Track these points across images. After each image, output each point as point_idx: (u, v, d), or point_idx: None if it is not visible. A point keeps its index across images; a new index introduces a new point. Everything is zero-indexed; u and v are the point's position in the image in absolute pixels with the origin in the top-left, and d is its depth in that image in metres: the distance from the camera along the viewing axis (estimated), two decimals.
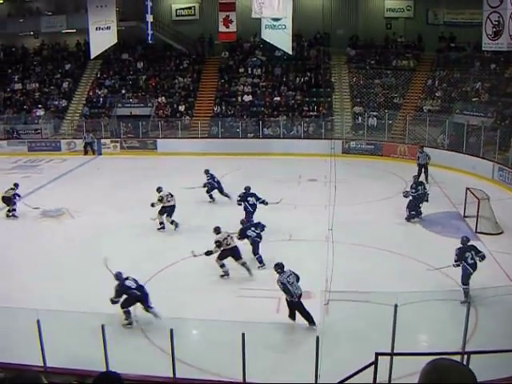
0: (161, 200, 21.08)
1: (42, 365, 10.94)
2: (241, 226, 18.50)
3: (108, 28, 32.87)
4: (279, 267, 13.70)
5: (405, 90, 37.50)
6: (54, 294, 15.67)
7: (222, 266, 17.13)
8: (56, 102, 41.21)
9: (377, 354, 9.60)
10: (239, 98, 38.53)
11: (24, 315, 11.96)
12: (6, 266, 18.25)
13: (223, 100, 38.58)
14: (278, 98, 38.06)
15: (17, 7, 44.91)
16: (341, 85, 38.84)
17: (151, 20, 36.08)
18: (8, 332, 13.00)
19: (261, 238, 18.22)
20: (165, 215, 21.19)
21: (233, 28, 34.92)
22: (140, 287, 14.23)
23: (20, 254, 19.23)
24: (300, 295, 13.41)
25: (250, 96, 38.42)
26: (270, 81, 39.43)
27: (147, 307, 14.23)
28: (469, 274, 15.07)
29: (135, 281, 14.27)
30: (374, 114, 35.75)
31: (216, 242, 17.02)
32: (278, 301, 14.93)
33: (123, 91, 40.71)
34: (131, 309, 14.11)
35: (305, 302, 14.25)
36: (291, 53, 33.02)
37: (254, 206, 21.40)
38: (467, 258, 15.19)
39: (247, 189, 21.75)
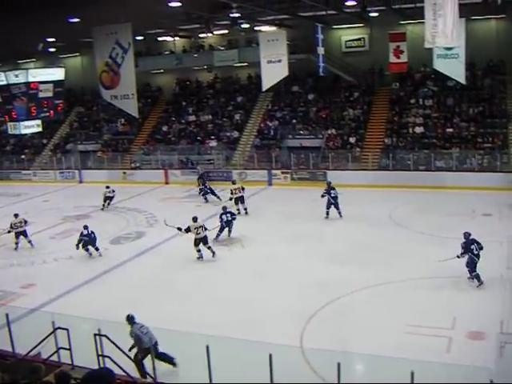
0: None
1: None
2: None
3: (279, 61, 33.63)
4: (130, 319, 13.11)
5: None
6: (224, 320, 16.00)
7: (198, 251, 22.00)
8: (228, 134, 42.57)
9: None
10: (410, 130, 37.75)
11: (195, 340, 12.24)
12: (178, 290, 18.96)
13: (394, 131, 38.02)
14: (451, 130, 36.91)
15: (192, 43, 47.17)
16: None
17: (322, 52, 36.46)
18: (178, 355, 13.30)
19: (229, 223, 24.41)
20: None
21: (404, 58, 34.56)
22: (89, 234, 23.01)
23: (191, 279, 19.85)
24: (156, 343, 12.88)
25: (422, 127, 37.52)
26: (441, 112, 38.36)
27: (95, 248, 23.15)
28: (475, 263, 18.10)
29: (87, 230, 22.99)
30: None
31: (187, 227, 21.89)
32: (448, 340, 14.38)
33: (294, 123, 41.25)
34: None
35: (475, 343, 13.64)
36: (464, 82, 32.08)
37: (335, 198, 26.94)
38: (472, 249, 18.19)
39: (329, 183, 27.66)
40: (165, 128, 45.48)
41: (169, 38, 47.08)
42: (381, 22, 38.68)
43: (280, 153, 39.17)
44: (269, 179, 37.27)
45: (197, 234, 21.74)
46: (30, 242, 25.49)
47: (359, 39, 43.09)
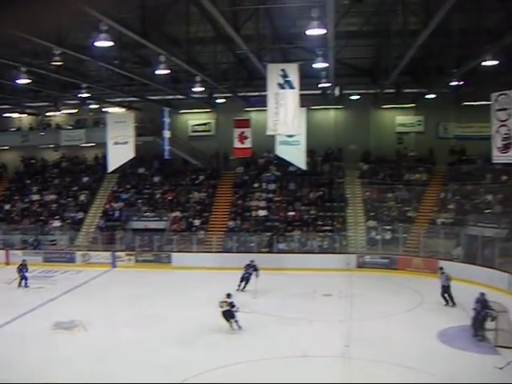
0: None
1: None
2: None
3: (126, 143, 33.45)
4: None
5: (418, 203, 37.81)
6: None
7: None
8: (72, 214, 41.71)
9: None
10: (254, 213, 38.80)
11: None
12: (16, 377, 18.01)
13: (238, 214, 38.85)
14: (293, 213, 38.30)
15: (39, 120, 46.59)
16: (354, 199, 39.21)
17: (168, 136, 36.93)
18: None
19: None
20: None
21: (248, 144, 35.66)
22: None
23: (31, 365, 18.98)
24: None
25: (265, 211, 38.70)
26: (284, 196, 39.84)
27: None
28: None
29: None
30: (388, 227, 35.84)
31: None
32: None
33: (139, 205, 41.19)
34: None
35: None
36: (305, 168, 33.38)
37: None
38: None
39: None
40: (7, 206, 43.99)
41: (15, 115, 46.09)
42: (227, 108, 40.15)
43: (125, 234, 38.81)
44: (113, 261, 36.66)
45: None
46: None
47: (206, 124, 44.19)
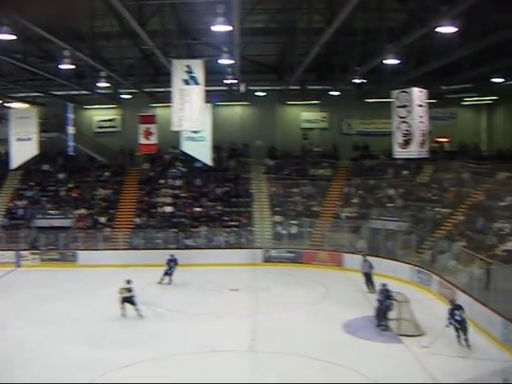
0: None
1: None
2: None
3: (29, 139, 32.63)
4: None
5: (322, 197, 38.53)
6: None
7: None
8: None
9: None
10: (160, 209, 38.66)
11: None
12: None
13: (144, 211, 38.61)
14: (199, 209, 38.35)
15: None
16: (260, 194, 39.61)
17: (72, 132, 36.33)
18: None
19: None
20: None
21: (153, 140, 35.46)
22: None
23: None
24: None
25: (171, 207, 38.61)
26: (190, 192, 39.84)
27: None
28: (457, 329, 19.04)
29: None
30: (294, 222, 36.38)
31: None
32: None
33: (43, 202, 40.26)
34: None
35: None
36: (211, 164, 33.36)
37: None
38: (455, 315, 19.06)
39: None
40: None
41: None
42: (133, 104, 39.89)
43: (29, 233, 37.88)
44: (17, 260, 35.61)
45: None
46: None
47: (111, 120, 43.72)
